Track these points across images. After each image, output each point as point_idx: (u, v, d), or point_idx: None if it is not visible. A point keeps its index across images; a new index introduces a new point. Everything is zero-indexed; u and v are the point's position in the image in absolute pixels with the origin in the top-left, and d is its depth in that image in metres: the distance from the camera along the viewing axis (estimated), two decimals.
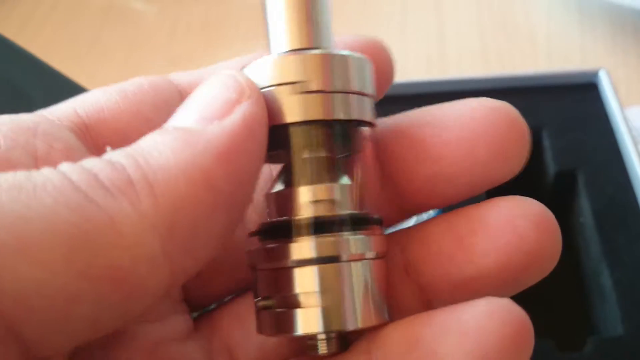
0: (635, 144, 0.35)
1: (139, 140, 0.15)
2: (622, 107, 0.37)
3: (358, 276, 0.17)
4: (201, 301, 0.20)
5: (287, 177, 0.18)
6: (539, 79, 0.39)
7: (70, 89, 0.34)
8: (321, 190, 0.17)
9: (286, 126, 0.17)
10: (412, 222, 0.20)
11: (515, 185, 0.39)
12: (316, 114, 0.17)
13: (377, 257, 0.18)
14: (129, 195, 0.14)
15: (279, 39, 0.18)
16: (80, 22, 0.57)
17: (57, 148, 0.16)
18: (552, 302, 0.35)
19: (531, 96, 0.39)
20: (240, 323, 0.19)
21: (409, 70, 0.49)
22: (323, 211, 0.17)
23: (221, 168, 0.15)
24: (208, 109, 0.16)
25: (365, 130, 0.19)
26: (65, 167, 0.14)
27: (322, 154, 0.18)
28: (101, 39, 0.56)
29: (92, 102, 0.18)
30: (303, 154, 0.18)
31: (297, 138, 0.18)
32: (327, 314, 0.17)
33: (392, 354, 0.16)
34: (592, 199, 0.34)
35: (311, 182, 0.18)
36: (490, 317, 0.16)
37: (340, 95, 0.17)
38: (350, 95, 0.18)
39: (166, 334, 0.19)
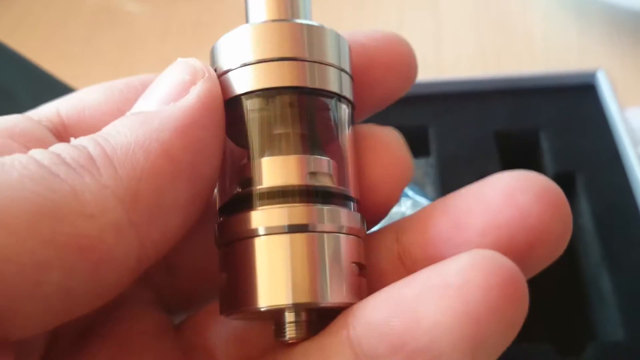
0: (634, 145, 0.35)
1: (103, 129, 0.16)
2: (620, 108, 0.37)
3: (330, 249, 0.16)
4: (185, 306, 0.20)
5: (253, 152, 0.17)
6: (537, 80, 0.39)
7: (58, 89, 0.33)
8: (288, 161, 0.17)
9: (239, 97, 0.17)
10: (409, 212, 0.19)
11: None
12: (270, 82, 0.17)
13: (352, 234, 0.17)
14: (90, 169, 0.14)
15: (253, 9, 0.19)
16: (73, 24, 0.57)
17: (33, 147, 0.17)
18: (552, 306, 0.35)
19: (529, 97, 0.39)
20: (220, 321, 0.19)
21: None
22: (290, 181, 0.16)
23: (179, 140, 0.15)
24: (164, 93, 0.16)
25: (341, 107, 0.18)
26: (33, 151, 0.15)
27: (287, 127, 0.17)
28: (94, 40, 0.55)
29: (75, 101, 0.19)
30: (265, 125, 0.17)
31: (253, 108, 0.17)
32: (295, 285, 0.16)
33: (373, 322, 0.15)
34: (592, 201, 0.34)
35: (277, 153, 0.17)
36: (473, 269, 0.15)
37: (300, 63, 0.17)
38: (316, 64, 0.17)
39: (139, 329, 0.18)
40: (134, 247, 0.15)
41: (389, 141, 0.19)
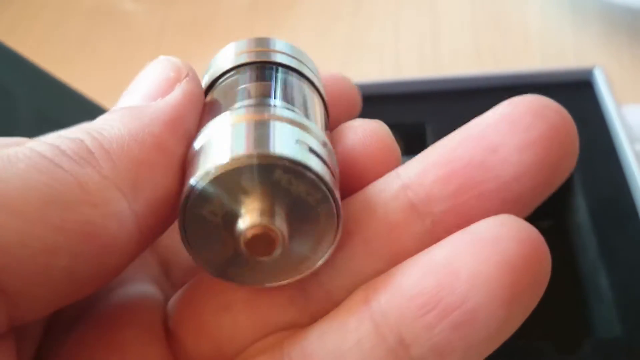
0: (631, 143, 0.35)
1: (93, 121, 0.17)
2: (617, 105, 0.37)
3: (285, 129, 0.16)
4: None
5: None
6: (533, 77, 0.39)
7: (58, 88, 0.33)
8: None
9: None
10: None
11: None
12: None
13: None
14: (90, 161, 0.15)
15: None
16: (70, 22, 0.57)
17: None
18: (549, 303, 0.35)
19: (526, 94, 0.38)
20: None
21: (403, 68, 0.49)
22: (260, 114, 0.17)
23: (169, 133, 0.16)
24: (151, 90, 0.17)
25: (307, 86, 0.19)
26: (32, 143, 0.15)
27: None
28: (90, 39, 0.55)
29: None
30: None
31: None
32: (256, 141, 0.16)
33: (401, 288, 0.15)
34: (588, 198, 0.34)
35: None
36: (504, 225, 0.15)
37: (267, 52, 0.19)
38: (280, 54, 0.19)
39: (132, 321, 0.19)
40: (134, 234, 0.16)
41: (372, 127, 0.19)
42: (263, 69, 0.19)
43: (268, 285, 0.17)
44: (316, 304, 0.17)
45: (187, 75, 0.18)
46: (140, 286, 0.20)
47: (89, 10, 0.58)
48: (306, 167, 0.16)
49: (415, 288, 0.15)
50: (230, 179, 0.16)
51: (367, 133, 0.19)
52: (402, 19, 0.53)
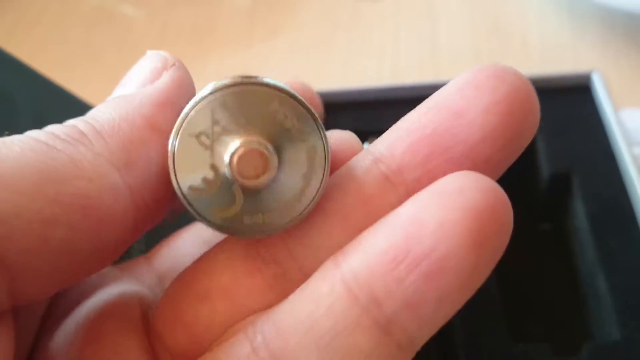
0: (629, 147, 0.35)
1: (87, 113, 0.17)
2: (615, 109, 0.37)
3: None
4: None
5: None
6: (532, 81, 0.39)
7: (58, 94, 0.33)
8: None
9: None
10: None
11: (510, 187, 0.39)
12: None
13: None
14: (83, 141, 0.16)
15: None
16: (70, 27, 0.57)
17: None
18: (547, 307, 0.35)
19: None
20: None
21: (402, 74, 0.49)
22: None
23: (160, 113, 0.17)
24: (140, 79, 0.18)
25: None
26: (28, 132, 0.16)
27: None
28: (91, 43, 0.56)
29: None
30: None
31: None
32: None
33: (369, 246, 0.16)
34: (587, 202, 0.34)
35: None
36: (467, 177, 0.15)
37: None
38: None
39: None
40: (130, 208, 0.16)
41: (340, 134, 0.19)
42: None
43: (260, 235, 0.17)
44: (295, 286, 0.17)
45: (173, 64, 0.19)
46: (125, 286, 0.21)
47: (89, 14, 0.58)
48: (300, 101, 0.16)
49: (383, 244, 0.15)
50: (227, 102, 0.16)
51: (335, 140, 0.19)
52: (401, 24, 0.53)
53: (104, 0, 0.59)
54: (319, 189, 0.17)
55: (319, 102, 0.24)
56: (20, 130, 0.30)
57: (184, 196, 0.17)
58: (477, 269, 0.15)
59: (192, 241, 0.23)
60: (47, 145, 0.15)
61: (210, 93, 0.16)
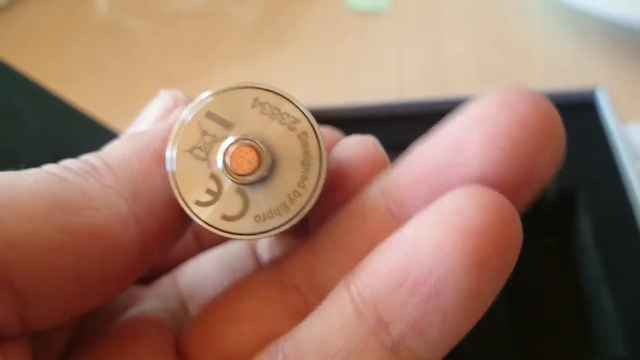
0: (634, 162, 0.35)
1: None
2: (620, 125, 0.37)
3: None
4: None
5: None
6: None
7: (62, 107, 0.34)
8: None
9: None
10: None
11: None
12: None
13: None
14: (93, 174, 0.17)
15: None
16: (75, 41, 0.57)
17: None
18: (553, 322, 0.35)
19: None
20: None
21: (406, 89, 0.49)
22: None
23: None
24: (152, 118, 0.19)
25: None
26: (44, 165, 0.17)
27: None
28: (96, 57, 0.56)
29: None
30: None
31: None
32: None
33: (373, 267, 0.16)
34: (592, 218, 0.34)
35: None
36: (467, 195, 0.15)
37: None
38: None
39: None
40: (137, 237, 0.17)
41: (359, 140, 0.19)
42: None
43: (262, 236, 0.17)
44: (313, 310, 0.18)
45: (184, 101, 0.19)
46: (154, 307, 0.21)
47: (95, 29, 0.59)
48: (279, 92, 0.17)
49: (385, 266, 0.15)
50: (210, 112, 0.17)
51: (353, 144, 0.19)
52: (405, 39, 0.54)
53: (109, 14, 0.60)
54: (319, 174, 0.17)
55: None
56: (27, 144, 0.30)
57: (193, 212, 0.17)
58: (480, 289, 0.15)
59: (213, 261, 0.23)
60: (59, 177, 0.16)
61: (193, 108, 0.17)
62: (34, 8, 0.60)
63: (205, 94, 0.17)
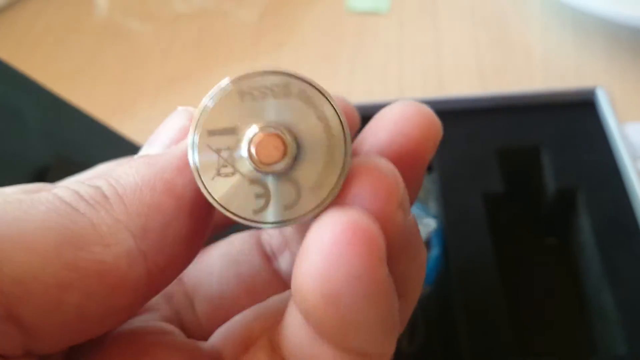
0: (634, 161, 0.35)
1: (112, 170, 0.18)
2: (619, 124, 0.37)
3: None
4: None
5: None
6: (537, 97, 0.39)
7: (64, 108, 0.34)
8: None
9: None
10: None
11: (516, 203, 0.39)
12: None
13: None
14: (104, 205, 0.16)
15: None
16: (76, 42, 0.58)
17: None
18: (553, 322, 0.35)
19: (530, 114, 0.39)
20: None
21: (406, 89, 0.49)
22: None
23: (180, 178, 0.17)
24: (167, 138, 0.19)
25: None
26: (56, 189, 0.17)
27: None
28: (97, 58, 0.56)
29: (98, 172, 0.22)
30: None
31: None
32: None
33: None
34: (592, 217, 0.34)
35: None
36: (322, 227, 0.15)
37: None
38: None
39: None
40: (143, 275, 0.17)
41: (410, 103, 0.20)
42: None
43: (286, 224, 0.17)
44: None
45: None
46: (160, 312, 0.21)
47: (95, 29, 0.59)
48: (320, 89, 0.16)
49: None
50: (244, 93, 0.17)
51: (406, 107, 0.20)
52: (405, 39, 0.54)
53: (110, 15, 0.60)
54: (344, 159, 0.17)
55: (357, 116, 0.24)
56: (29, 145, 0.30)
57: (220, 204, 0.17)
58: (330, 319, 0.16)
59: (217, 256, 0.24)
60: (71, 208, 0.16)
61: (214, 95, 0.17)
62: (34, 9, 0.60)
63: (225, 81, 0.16)
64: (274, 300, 0.20)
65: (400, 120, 0.19)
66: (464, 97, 0.40)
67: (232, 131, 0.17)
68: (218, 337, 0.20)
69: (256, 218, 0.17)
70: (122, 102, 0.52)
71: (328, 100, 0.17)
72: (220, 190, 0.17)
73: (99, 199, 0.17)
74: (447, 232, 0.34)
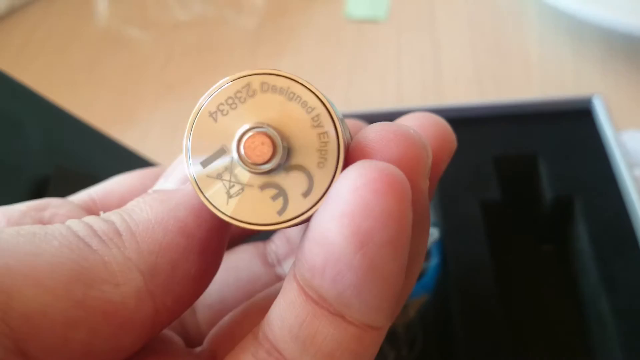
0: (630, 169, 0.36)
1: (127, 204, 0.18)
2: (616, 132, 0.37)
3: None
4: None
5: None
6: (534, 105, 0.40)
7: (64, 118, 0.34)
8: None
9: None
10: None
11: (513, 211, 0.39)
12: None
13: None
14: (117, 242, 0.16)
15: None
16: (75, 51, 0.58)
17: (62, 213, 0.21)
18: (550, 328, 0.35)
19: (526, 123, 0.39)
20: None
21: (404, 96, 0.49)
22: None
23: (193, 218, 0.17)
24: (179, 173, 0.19)
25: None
26: (70, 221, 0.17)
27: None
28: (96, 67, 0.56)
29: (105, 185, 0.23)
30: None
31: None
32: None
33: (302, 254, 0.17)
34: (589, 225, 0.34)
35: None
36: (347, 177, 0.15)
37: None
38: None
39: None
40: (150, 314, 0.17)
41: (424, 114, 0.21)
42: None
43: (283, 226, 0.17)
44: None
45: None
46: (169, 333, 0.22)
47: (95, 38, 0.59)
48: (305, 84, 0.17)
49: (308, 256, 0.16)
50: (213, 112, 0.17)
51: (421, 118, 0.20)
52: (403, 47, 0.54)
53: (109, 23, 0.60)
54: (337, 163, 0.17)
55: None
56: (30, 156, 0.31)
57: (248, 223, 0.17)
58: (372, 263, 0.16)
59: (227, 271, 0.24)
60: (84, 243, 0.16)
61: (210, 93, 0.17)
62: (34, 17, 0.61)
63: (225, 79, 0.17)
64: (260, 296, 0.20)
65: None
66: (462, 105, 0.40)
67: (222, 152, 0.17)
68: (210, 338, 0.20)
69: (283, 218, 0.17)
70: (122, 110, 0.52)
71: (295, 80, 0.17)
72: (239, 210, 0.17)
73: (112, 235, 0.17)
74: (445, 239, 0.35)
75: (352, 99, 0.50)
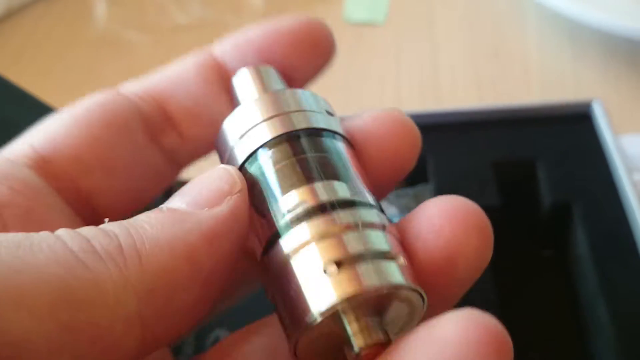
0: (629, 174, 0.36)
1: (136, 216, 0.17)
2: (615, 137, 0.37)
3: (357, 242, 0.16)
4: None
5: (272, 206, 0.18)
6: (533, 110, 0.39)
7: None
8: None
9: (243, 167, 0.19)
10: None
11: (512, 216, 0.39)
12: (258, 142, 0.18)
13: (372, 227, 0.17)
14: (117, 259, 0.15)
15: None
16: (74, 53, 0.58)
17: (18, 189, 0.19)
18: (549, 335, 0.35)
19: (525, 127, 0.39)
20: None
21: (403, 101, 0.49)
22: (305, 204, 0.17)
23: (204, 246, 0.16)
24: (201, 196, 0.17)
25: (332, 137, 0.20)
26: (61, 231, 0.15)
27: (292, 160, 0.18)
28: (95, 70, 0.56)
29: (45, 133, 0.21)
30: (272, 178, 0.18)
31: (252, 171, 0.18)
32: (336, 285, 0.15)
33: None
34: (588, 230, 0.34)
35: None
36: (458, 323, 0.15)
37: (293, 114, 0.19)
38: (301, 112, 0.19)
39: None
40: (137, 341, 0.15)
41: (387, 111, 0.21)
42: (297, 140, 0.19)
43: None
44: None
45: (239, 191, 0.17)
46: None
47: (93, 40, 0.59)
48: (399, 287, 0.16)
49: None
50: (336, 320, 0.16)
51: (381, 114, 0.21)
52: (402, 50, 0.54)
53: (108, 26, 0.60)
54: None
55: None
56: None
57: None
58: None
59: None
60: (76, 259, 0.15)
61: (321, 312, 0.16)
62: (31, 20, 0.60)
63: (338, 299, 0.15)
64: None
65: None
66: (460, 109, 0.40)
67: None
68: None
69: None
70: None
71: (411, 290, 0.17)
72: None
73: (112, 251, 0.15)
74: None
75: (350, 102, 0.50)
